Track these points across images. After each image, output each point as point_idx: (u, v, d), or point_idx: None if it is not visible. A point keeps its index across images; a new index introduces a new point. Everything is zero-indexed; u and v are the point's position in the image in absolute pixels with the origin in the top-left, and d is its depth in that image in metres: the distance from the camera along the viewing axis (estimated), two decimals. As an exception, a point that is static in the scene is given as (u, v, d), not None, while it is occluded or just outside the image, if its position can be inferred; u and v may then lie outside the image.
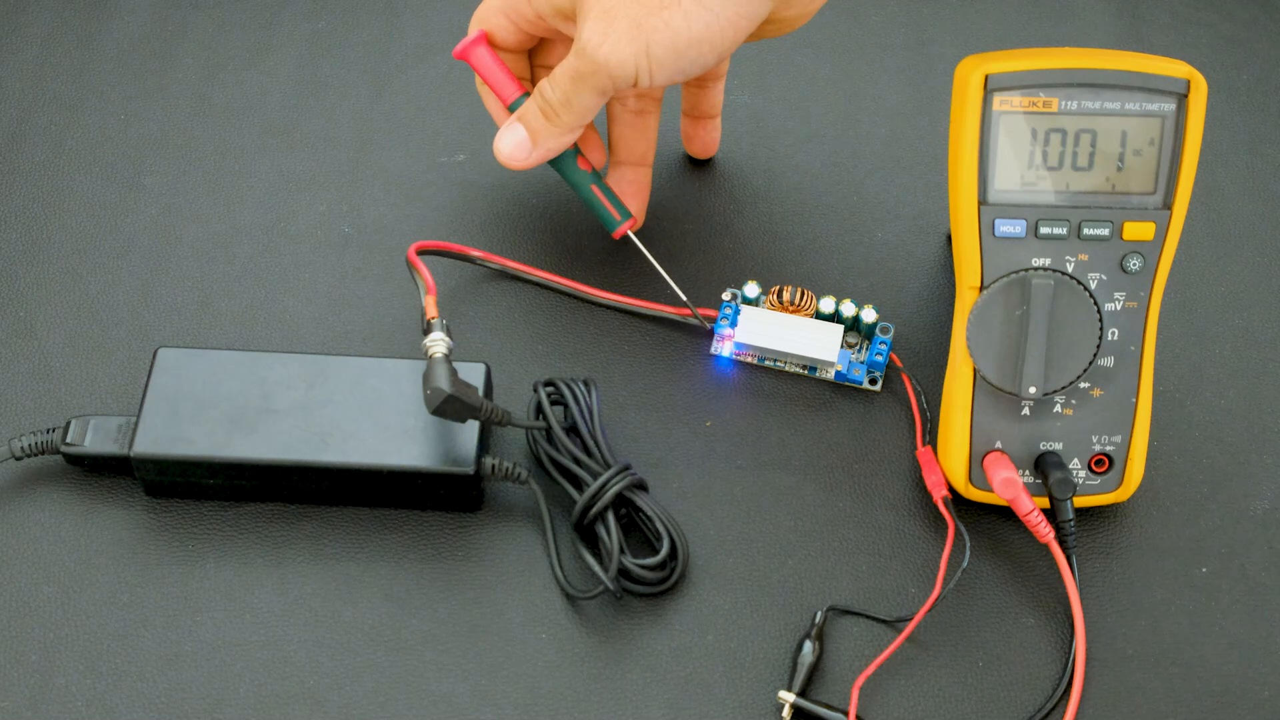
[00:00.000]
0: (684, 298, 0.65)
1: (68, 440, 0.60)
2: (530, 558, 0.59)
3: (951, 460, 0.59)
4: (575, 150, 0.64)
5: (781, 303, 0.65)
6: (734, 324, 0.64)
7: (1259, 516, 0.61)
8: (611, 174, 0.66)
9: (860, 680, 0.56)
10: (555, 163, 0.64)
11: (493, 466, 0.59)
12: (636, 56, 0.57)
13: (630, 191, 0.66)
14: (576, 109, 0.60)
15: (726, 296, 0.66)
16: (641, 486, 0.59)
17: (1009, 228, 0.56)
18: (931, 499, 0.60)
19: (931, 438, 0.62)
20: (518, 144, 0.62)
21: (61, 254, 0.67)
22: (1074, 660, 0.57)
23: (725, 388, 0.64)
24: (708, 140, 0.70)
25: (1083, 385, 0.58)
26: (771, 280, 0.66)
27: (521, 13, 0.62)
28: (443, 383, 0.56)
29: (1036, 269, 0.56)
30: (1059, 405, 0.58)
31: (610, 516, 0.57)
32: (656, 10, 0.56)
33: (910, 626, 0.57)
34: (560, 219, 0.69)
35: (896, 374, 0.64)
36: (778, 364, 0.64)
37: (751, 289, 0.65)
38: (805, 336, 0.63)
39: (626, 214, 0.64)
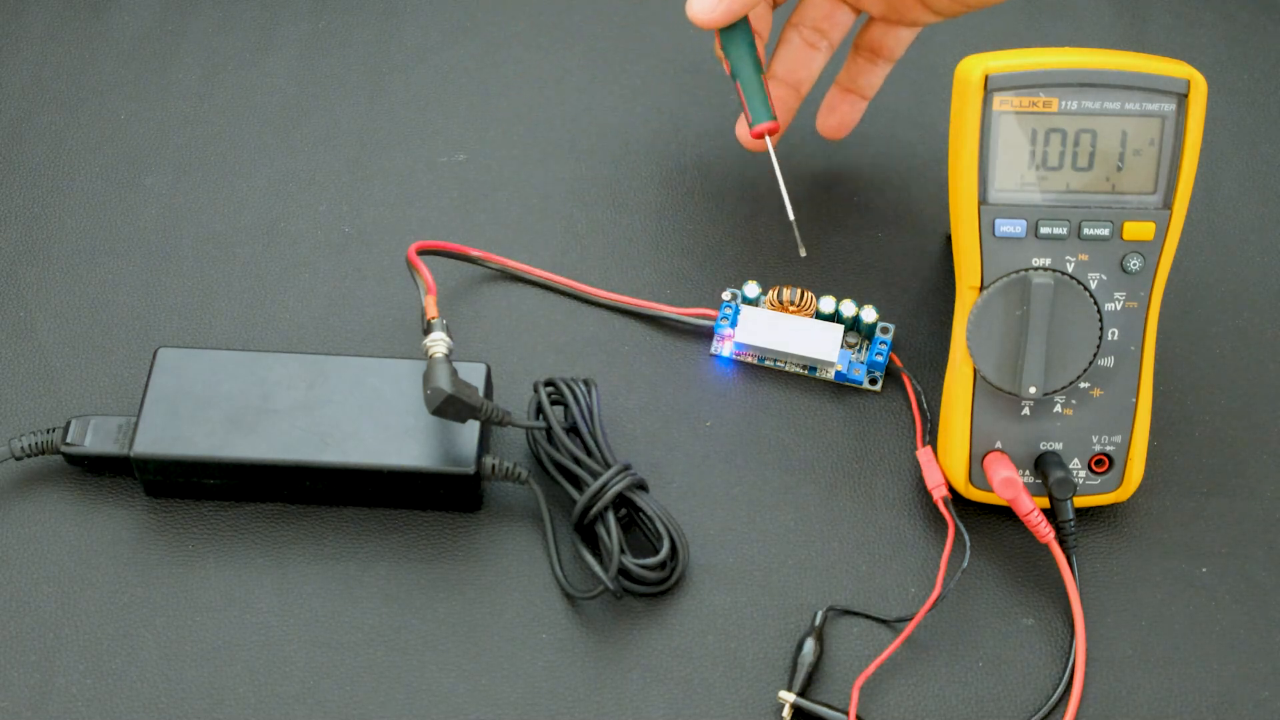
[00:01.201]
0: (791, 214, 0.62)
1: (68, 440, 0.60)
2: (530, 558, 0.59)
3: (951, 460, 0.59)
4: (752, 38, 0.62)
5: (781, 303, 0.65)
6: (734, 324, 0.64)
7: (1259, 516, 0.61)
8: None
9: (860, 680, 0.56)
10: (731, 40, 0.62)
11: (493, 466, 0.59)
12: None
13: (774, 106, 0.64)
14: None
15: (726, 296, 0.65)
16: (641, 486, 0.59)
17: (1009, 227, 0.56)
18: (931, 499, 0.60)
19: (931, 438, 0.62)
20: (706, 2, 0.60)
21: (61, 254, 0.67)
22: (1074, 660, 0.57)
23: (725, 388, 0.64)
24: (848, 117, 0.68)
25: (1083, 385, 0.58)
26: (771, 280, 0.66)
27: None
28: (443, 383, 0.56)
29: (1036, 269, 0.56)
30: (1059, 405, 0.58)
31: (610, 516, 0.57)
32: None
33: (910, 626, 0.57)
34: (561, 219, 0.69)
35: (896, 374, 0.64)
36: (778, 364, 0.64)
37: (751, 289, 0.65)
38: (805, 336, 0.63)
39: (772, 116, 0.62)
